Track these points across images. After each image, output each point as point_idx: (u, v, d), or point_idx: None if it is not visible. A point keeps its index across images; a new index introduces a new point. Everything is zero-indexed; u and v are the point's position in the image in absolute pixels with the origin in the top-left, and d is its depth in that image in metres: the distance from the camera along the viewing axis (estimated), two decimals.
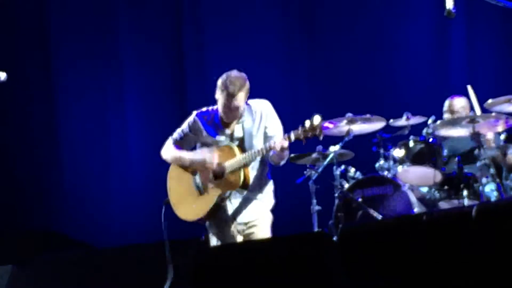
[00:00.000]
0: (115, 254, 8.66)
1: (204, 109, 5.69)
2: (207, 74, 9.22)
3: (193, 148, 5.78)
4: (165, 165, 5.89)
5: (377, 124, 7.47)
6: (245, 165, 5.45)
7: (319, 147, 7.39)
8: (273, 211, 5.73)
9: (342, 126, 7.37)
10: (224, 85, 5.41)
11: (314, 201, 7.32)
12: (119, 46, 9.48)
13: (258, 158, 5.52)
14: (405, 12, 9.10)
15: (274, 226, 5.74)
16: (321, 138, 5.32)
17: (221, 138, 5.56)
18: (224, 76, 5.48)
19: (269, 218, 5.66)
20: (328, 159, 7.24)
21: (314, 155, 7.44)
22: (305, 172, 7.40)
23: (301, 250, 3.49)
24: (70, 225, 9.24)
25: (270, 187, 5.70)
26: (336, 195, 7.22)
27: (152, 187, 8.70)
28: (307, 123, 5.25)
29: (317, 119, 5.23)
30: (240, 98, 5.41)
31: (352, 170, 7.54)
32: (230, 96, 5.39)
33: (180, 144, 5.72)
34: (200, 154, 5.61)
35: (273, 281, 3.45)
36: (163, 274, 5.81)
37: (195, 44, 9.45)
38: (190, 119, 5.68)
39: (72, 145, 9.40)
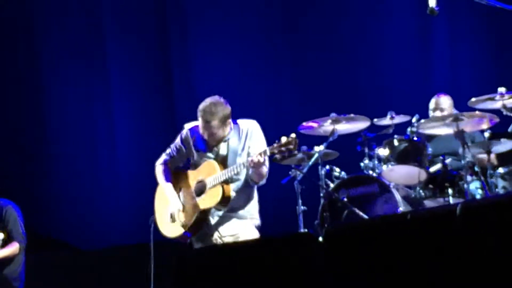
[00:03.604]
0: (100, 256, 8.65)
1: (195, 123, 5.74)
2: (194, 75, 9.24)
3: (187, 163, 5.81)
4: (152, 165, 5.93)
5: (361, 124, 7.48)
6: (225, 181, 5.52)
7: (304, 147, 7.38)
8: (260, 229, 5.75)
9: (327, 126, 7.37)
10: (201, 113, 5.55)
11: (300, 201, 7.31)
12: (106, 48, 9.48)
13: (240, 176, 5.58)
14: (388, 11, 9.12)
15: (260, 226, 5.75)
16: (295, 152, 5.45)
17: (209, 154, 5.65)
18: (203, 103, 5.60)
19: (255, 235, 5.68)
20: (313, 159, 7.23)
21: (299, 155, 7.42)
22: (290, 172, 7.38)
23: (287, 251, 3.48)
24: (56, 226, 9.22)
25: (255, 208, 5.75)
26: (321, 195, 7.21)
27: (138, 188, 8.69)
28: (283, 138, 5.34)
29: (292, 135, 5.36)
30: (215, 126, 5.53)
31: (337, 170, 7.53)
32: (206, 123, 5.52)
33: (173, 159, 5.83)
34: (174, 199, 5.70)
35: (258, 282, 3.44)
36: (147, 275, 5.81)
37: (181, 45, 9.48)
38: (182, 133, 5.79)
39: (59, 148, 9.39)
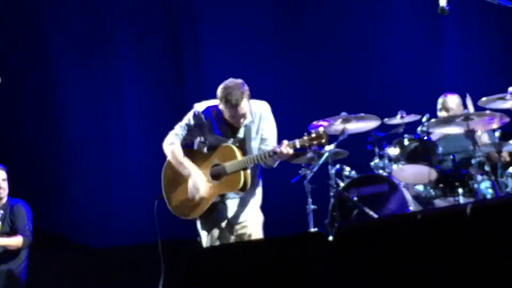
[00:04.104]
0: (109, 254, 8.67)
1: (206, 103, 5.65)
2: (205, 73, 9.26)
3: (192, 143, 5.75)
4: (163, 165, 5.88)
5: (371, 123, 7.48)
6: (245, 168, 5.46)
7: (314, 147, 7.38)
8: (267, 210, 5.74)
9: (337, 125, 7.38)
10: (225, 98, 5.42)
11: (310, 200, 7.32)
12: (118, 46, 9.53)
13: (261, 163, 5.53)
14: (399, 11, 9.12)
15: (269, 226, 5.74)
16: (326, 146, 5.40)
17: (225, 137, 5.56)
18: (222, 88, 5.47)
19: (260, 217, 5.69)
20: (323, 158, 7.24)
21: (309, 155, 7.43)
22: (300, 171, 7.39)
23: (297, 250, 3.48)
24: (65, 225, 9.25)
25: (260, 188, 5.74)
26: (331, 194, 7.22)
27: (149, 187, 8.70)
28: (313, 132, 5.31)
29: (321, 129, 5.33)
30: (244, 105, 5.44)
31: (347, 169, 7.54)
32: (234, 108, 5.42)
33: (183, 139, 5.67)
34: (198, 177, 5.58)
35: (268, 281, 3.45)
36: (157, 274, 5.81)
37: (192, 43, 9.51)
38: (193, 112, 5.63)
39: (71, 147, 9.42)
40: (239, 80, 5.50)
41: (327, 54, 9.17)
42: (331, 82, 9.09)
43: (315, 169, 7.27)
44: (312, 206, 7.30)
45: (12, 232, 7.16)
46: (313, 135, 5.31)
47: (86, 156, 9.41)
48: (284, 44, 9.38)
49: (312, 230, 7.19)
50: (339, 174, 7.50)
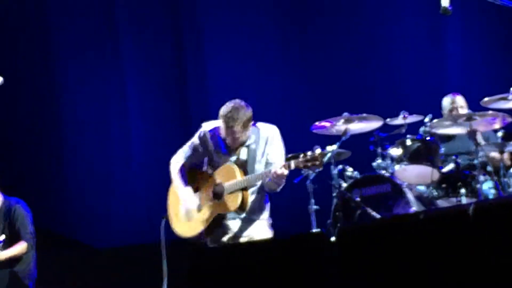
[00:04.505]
0: (113, 254, 8.67)
1: (213, 123, 5.71)
2: (208, 74, 9.26)
3: (201, 162, 5.81)
4: (167, 165, 5.90)
5: (374, 123, 7.48)
6: (244, 188, 5.50)
7: (317, 147, 7.37)
8: (272, 228, 5.77)
9: (339, 126, 7.37)
10: (223, 118, 5.48)
11: (312, 200, 7.32)
12: (121, 47, 9.53)
13: (258, 183, 5.57)
14: (401, 11, 9.11)
15: (272, 226, 5.76)
16: (321, 168, 5.45)
17: (229, 158, 5.62)
18: (223, 107, 5.53)
19: (269, 234, 5.70)
20: (325, 159, 7.23)
21: None
22: (302, 171, 7.39)
23: (299, 250, 3.49)
24: (69, 225, 9.25)
25: (267, 212, 5.75)
26: (334, 194, 7.22)
27: (152, 187, 8.72)
28: (309, 153, 5.33)
29: (318, 150, 5.35)
30: (238, 130, 5.48)
31: (350, 169, 7.53)
32: (228, 129, 5.47)
33: (189, 158, 5.77)
34: (184, 192, 5.67)
35: (271, 281, 3.45)
36: (160, 274, 5.82)
37: (195, 44, 9.50)
38: (200, 132, 5.73)
39: (74, 147, 9.43)
40: (243, 104, 5.53)
41: (329, 55, 9.17)
42: (333, 82, 9.08)
43: (317, 170, 7.26)
44: (315, 207, 7.30)
45: (12, 236, 7.11)
46: (308, 157, 5.33)
47: (88, 156, 9.41)
48: (286, 44, 9.38)
49: (315, 230, 7.19)
50: (342, 174, 7.50)
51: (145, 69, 9.49)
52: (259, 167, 5.57)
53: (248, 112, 5.51)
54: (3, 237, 7.02)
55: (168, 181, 5.88)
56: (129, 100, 9.48)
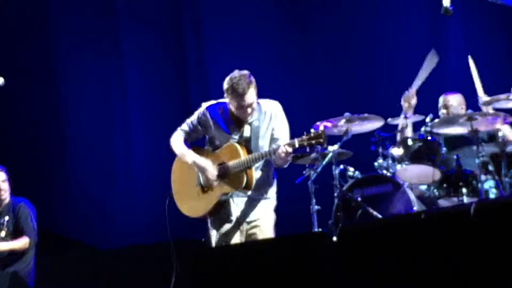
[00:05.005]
0: (116, 255, 8.69)
1: (213, 102, 5.69)
2: (209, 73, 9.28)
3: (202, 139, 5.78)
4: (169, 165, 5.90)
5: (375, 123, 7.48)
6: (249, 167, 5.47)
7: (318, 147, 7.39)
8: (275, 211, 5.75)
9: (341, 126, 7.38)
10: (232, 88, 5.44)
11: (314, 200, 7.32)
12: (122, 46, 9.55)
13: (262, 161, 5.54)
14: (402, 10, 9.11)
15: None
16: (325, 145, 5.44)
17: (231, 135, 5.58)
18: (228, 79, 5.50)
19: (272, 218, 5.69)
20: (327, 159, 7.24)
21: (313, 155, 7.43)
22: (304, 172, 7.40)
23: (301, 250, 3.49)
24: (72, 226, 9.27)
25: (274, 188, 5.74)
26: (335, 194, 7.22)
27: (155, 187, 8.72)
28: (312, 131, 5.32)
29: (321, 128, 5.30)
30: (251, 95, 5.46)
31: (351, 169, 7.54)
32: (241, 97, 5.43)
33: (189, 136, 5.73)
34: (204, 161, 5.60)
35: (273, 281, 3.46)
36: (165, 275, 5.82)
37: (196, 43, 9.53)
38: (200, 111, 5.69)
39: (76, 146, 9.44)
40: (245, 71, 5.52)
41: (330, 55, 9.18)
42: (334, 82, 9.09)
43: (319, 170, 7.27)
44: (316, 207, 7.30)
45: (16, 233, 7.15)
46: (312, 135, 5.33)
47: (90, 156, 9.42)
48: (287, 44, 9.39)
49: (316, 230, 7.19)
50: (343, 174, 7.51)
51: (146, 68, 9.51)
52: (264, 143, 5.54)
53: (253, 78, 5.50)
54: (6, 218, 7.05)
55: (169, 181, 5.87)
56: (131, 100, 9.50)
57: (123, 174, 9.46)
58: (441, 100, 7.62)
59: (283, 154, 5.32)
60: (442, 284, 3.12)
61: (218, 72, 9.40)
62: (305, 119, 8.04)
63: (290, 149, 5.33)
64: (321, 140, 5.33)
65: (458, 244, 3.08)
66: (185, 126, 5.73)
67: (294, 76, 9.36)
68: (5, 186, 7.36)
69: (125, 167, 9.47)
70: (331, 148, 7.27)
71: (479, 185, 6.77)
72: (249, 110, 5.48)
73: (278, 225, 5.82)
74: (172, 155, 5.88)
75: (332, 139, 7.42)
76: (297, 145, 5.35)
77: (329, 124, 7.39)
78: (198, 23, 9.53)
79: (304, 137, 5.34)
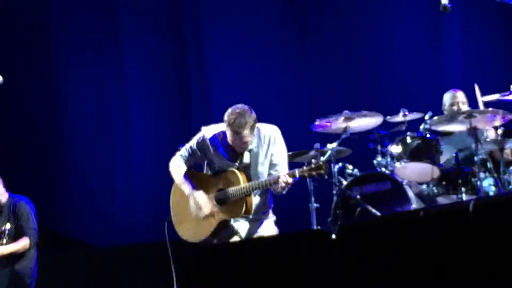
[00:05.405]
0: (115, 253, 8.68)
1: (213, 127, 5.72)
2: (209, 74, 9.29)
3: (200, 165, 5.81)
4: (167, 165, 5.89)
5: (374, 121, 7.48)
6: (248, 194, 5.51)
7: (317, 145, 7.39)
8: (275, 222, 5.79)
9: (339, 124, 7.38)
10: (228, 123, 5.48)
11: (313, 198, 7.33)
12: (122, 47, 9.56)
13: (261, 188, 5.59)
14: (401, 8, 9.12)
15: (276, 223, 5.79)
16: (326, 177, 5.49)
17: (231, 161, 5.62)
18: (228, 112, 5.54)
19: (275, 231, 5.73)
20: (325, 157, 7.24)
21: (312, 153, 7.44)
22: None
23: (300, 248, 3.50)
24: (71, 224, 9.27)
25: (270, 208, 5.80)
26: (334, 192, 7.23)
27: (154, 186, 8.73)
28: (313, 162, 5.38)
29: (322, 159, 5.54)
30: (246, 135, 5.49)
31: (350, 167, 7.54)
32: (236, 134, 5.48)
33: (187, 160, 5.77)
34: (200, 197, 5.64)
35: (271, 279, 3.46)
36: (165, 273, 5.82)
37: (197, 44, 9.53)
38: (199, 136, 5.73)
39: (75, 146, 9.45)
40: (246, 108, 5.53)
41: (329, 53, 9.18)
42: (333, 80, 9.09)
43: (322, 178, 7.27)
44: (315, 205, 7.31)
45: (16, 233, 7.13)
46: (313, 165, 5.38)
47: (90, 155, 9.43)
48: (285, 43, 9.39)
49: (315, 228, 7.20)
50: (342, 172, 7.51)
51: (146, 68, 9.50)
52: (262, 169, 5.59)
53: (253, 115, 5.52)
54: (8, 225, 7.02)
55: (169, 180, 5.88)
56: (130, 100, 9.50)
57: (123, 173, 9.46)
58: (450, 96, 7.59)
59: (283, 184, 5.38)
60: (442, 281, 3.12)
61: (218, 72, 9.46)
62: (305, 117, 8.07)
63: (290, 180, 5.38)
64: (322, 171, 5.39)
65: (457, 242, 3.08)
66: (184, 151, 5.78)
67: (293, 75, 9.36)
68: (0, 188, 7.27)
69: (125, 166, 9.47)
70: (330, 146, 7.28)
71: (478, 182, 6.77)
72: (244, 146, 5.55)
73: (277, 223, 5.83)
74: (171, 154, 5.89)
75: (331, 137, 7.43)
76: (297, 176, 5.40)
77: (328, 122, 7.40)
78: (198, 23, 9.53)
79: (305, 167, 5.39)
